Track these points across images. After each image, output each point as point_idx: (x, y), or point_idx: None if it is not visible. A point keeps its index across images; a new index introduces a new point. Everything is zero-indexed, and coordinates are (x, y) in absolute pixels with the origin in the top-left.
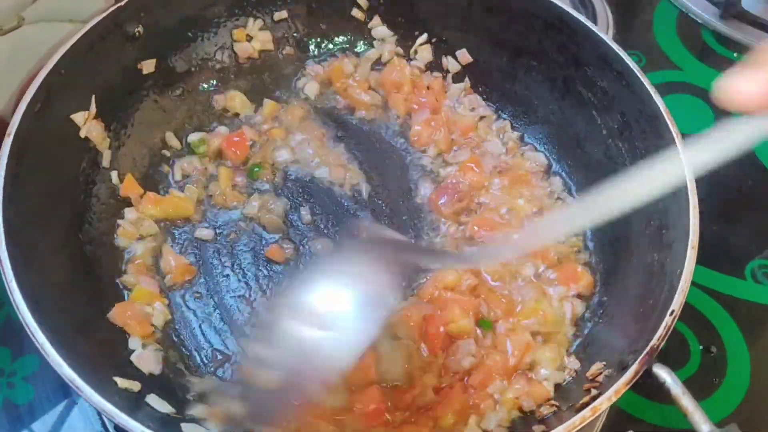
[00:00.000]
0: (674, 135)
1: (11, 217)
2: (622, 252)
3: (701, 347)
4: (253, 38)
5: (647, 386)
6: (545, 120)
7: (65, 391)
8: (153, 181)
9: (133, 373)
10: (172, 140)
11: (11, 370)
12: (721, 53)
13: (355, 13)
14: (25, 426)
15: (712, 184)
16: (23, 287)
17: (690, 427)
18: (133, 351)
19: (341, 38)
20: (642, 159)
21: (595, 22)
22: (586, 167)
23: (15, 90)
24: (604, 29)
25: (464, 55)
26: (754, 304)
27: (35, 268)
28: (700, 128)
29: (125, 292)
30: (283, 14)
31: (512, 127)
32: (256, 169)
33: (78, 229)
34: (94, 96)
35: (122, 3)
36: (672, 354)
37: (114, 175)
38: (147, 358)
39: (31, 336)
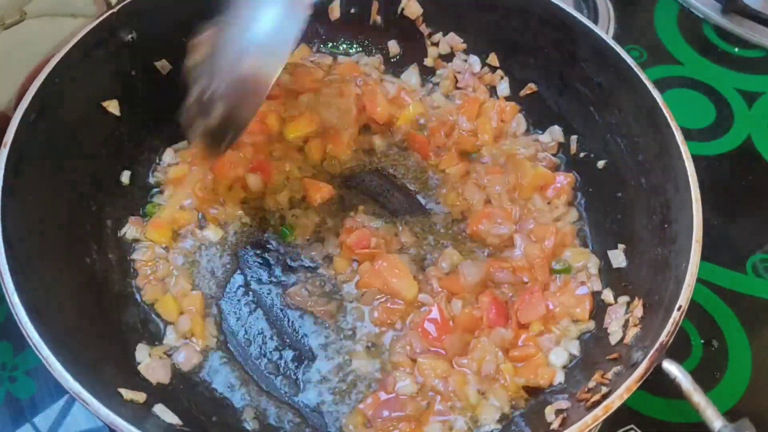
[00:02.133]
0: (673, 129)
1: (10, 230)
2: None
3: (702, 341)
4: None
5: (648, 381)
6: (543, 116)
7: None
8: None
9: (138, 383)
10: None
11: (13, 364)
12: (723, 48)
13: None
14: (27, 420)
15: (713, 178)
16: (25, 300)
17: (691, 421)
18: (139, 362)
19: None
20: (642, 154)
21: (596, 17)
22: (586, 163)
23: (18, 85)
24: (605, 25)
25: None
26: (755, 298)
27: (36, 280)
28: (701, 123)
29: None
30: None
31: None
32: (286, 231)
33: (77, 240)
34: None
35: (115, 9)
36: (673, 348)
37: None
38: (155, 368)
39: (34, 349)
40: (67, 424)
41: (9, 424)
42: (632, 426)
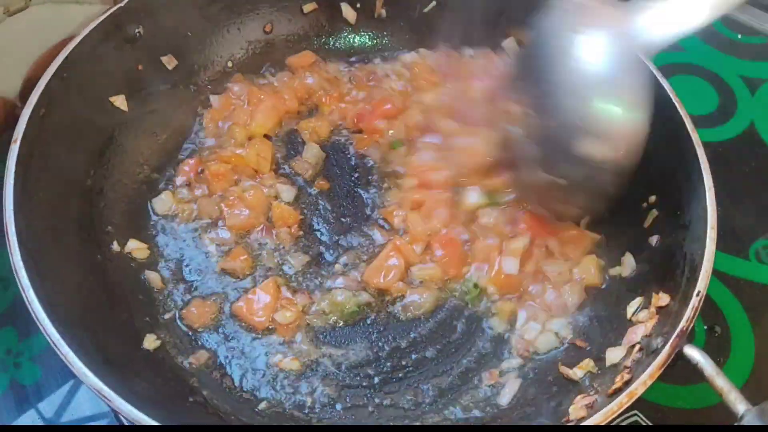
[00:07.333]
0: (683, 117)
1: (23, 226)
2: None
3: (705, 327)
4: None
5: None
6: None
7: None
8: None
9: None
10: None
11: (18, 350)
12: (726, 35)
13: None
14: (32, 406)
15: (717, 164)
16: (40, 296)
17: (696, 406)
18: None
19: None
20: (650, 142)
21: None
22: None
23: (25, 73)
24: None
25: None
26: (758, 284)
27: (50, 276)
28: (704, 109)
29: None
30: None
31: None
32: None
33: (88, 234)
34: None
35: (122, 4)
36: None
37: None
38: None
39: (53, 345)
40: (72, 409)
41: (14, 410)
42: (635, 412)
